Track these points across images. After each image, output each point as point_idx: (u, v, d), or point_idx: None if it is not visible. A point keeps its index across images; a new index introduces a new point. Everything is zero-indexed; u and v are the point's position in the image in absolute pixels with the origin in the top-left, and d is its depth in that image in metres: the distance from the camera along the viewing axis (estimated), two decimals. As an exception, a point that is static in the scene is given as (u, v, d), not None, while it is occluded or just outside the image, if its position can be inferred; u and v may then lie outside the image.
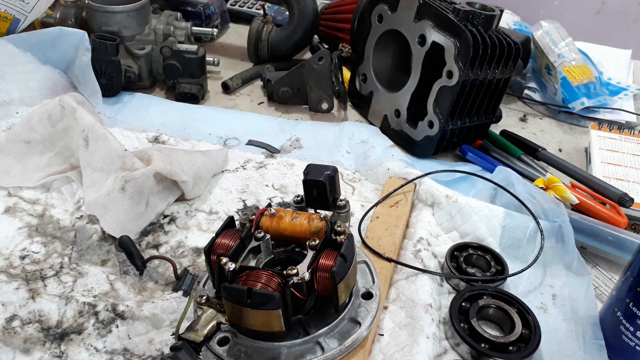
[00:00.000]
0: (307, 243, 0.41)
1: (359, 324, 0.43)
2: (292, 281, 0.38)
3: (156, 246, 0.53)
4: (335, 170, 0.46)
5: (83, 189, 0.56)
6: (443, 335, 0.47)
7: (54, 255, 0.50)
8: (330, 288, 0.39)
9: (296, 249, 0.44)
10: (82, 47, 0.71)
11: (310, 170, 0.46)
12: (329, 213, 0.46)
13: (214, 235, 0.42)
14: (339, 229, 0.42)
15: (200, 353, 0.38)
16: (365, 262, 0.49)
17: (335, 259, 0.39)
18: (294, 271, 0.38)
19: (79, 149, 0.56)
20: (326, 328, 0.41)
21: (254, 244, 0.43)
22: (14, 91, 0.70)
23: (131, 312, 0.45)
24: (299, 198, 0.47)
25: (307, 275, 0.38)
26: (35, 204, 0.55)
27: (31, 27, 0.78)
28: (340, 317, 0.42)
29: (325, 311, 0.42)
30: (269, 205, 0.45)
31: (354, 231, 0.56)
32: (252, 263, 0.43)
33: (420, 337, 0.44)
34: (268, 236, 0.43)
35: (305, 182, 0.46)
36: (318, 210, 0.46)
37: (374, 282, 0.47)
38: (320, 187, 0.45)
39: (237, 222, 0.45)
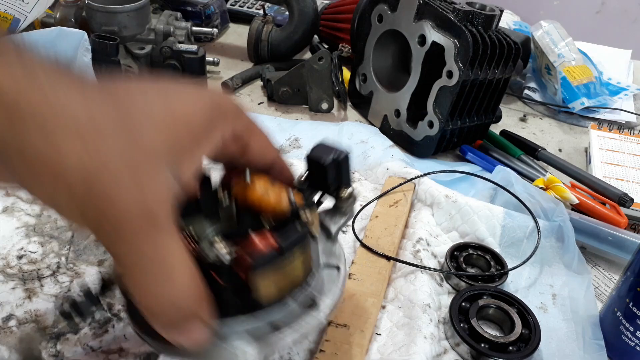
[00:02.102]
0: (263, 218, 0.34)
1: (278, 328, 0.34)
2: (209, 259, 0.30)
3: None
4: (344, 155, 0.39)
5: None
6: (443, 335, 0.47)
7: (51, 255, 0.50)
8: (245, 276, 0.31)
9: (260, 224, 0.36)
10: (82, 47, 0.70)
11: (318, 148, 0.39)
12: (330, 202, 0.41)
13: None
14: (304, 218, 0.34)
15: None
16: (338, 268, 0.39)
17: (271, 246, 0.32)
18: (224, 249, 0.30)
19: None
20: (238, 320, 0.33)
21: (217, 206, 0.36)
22: (13, 91, 0.70)
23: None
24: (302, 178, 0.40)
25: (226, 257, 0.30)
26: (33, 203, 0.55)
27: (31, 27, 0.78)
28: (257, 318, 0.33)
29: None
30: (246, 171, 0.37)
31: (349, 230, 0.56)
32: (209, 230, 0.35)
33: (418, 337, 0.44)
34: (233, 205, 0.37)
35: (308, 160, 0.39)
36: (316, 194, 0.39)
37: (333, 295, 0.37)
38: (320, 170, 0.39)
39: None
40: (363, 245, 0.53)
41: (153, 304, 0.29)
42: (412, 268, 0.51)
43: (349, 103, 0.82)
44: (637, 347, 0.44)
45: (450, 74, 0.64)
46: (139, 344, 0.42)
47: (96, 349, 0.42)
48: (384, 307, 0.48)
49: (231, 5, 1.08)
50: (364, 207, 0.59)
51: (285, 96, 0.80)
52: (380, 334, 0.46)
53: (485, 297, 0.48)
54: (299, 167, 0.65)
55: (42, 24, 0.82)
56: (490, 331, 0.46)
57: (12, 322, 0.43)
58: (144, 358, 0.41)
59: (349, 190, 0.40)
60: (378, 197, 0.60)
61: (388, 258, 0.51)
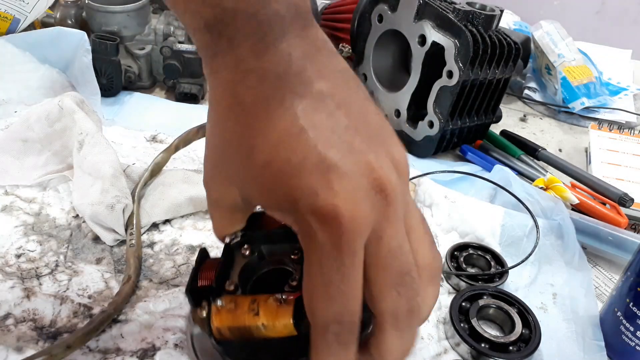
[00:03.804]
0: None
1: None
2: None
3: (151, 245, 0.53)
4: None
5: (72, 190, 0.55)
6: (443, 335, 0.47)
7: (49, 253, 0.50)
8: None
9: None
10: (82, 48, 0.70)
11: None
12: None
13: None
14: None
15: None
16: None
17: None
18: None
19: (74, 149, 0.56)
20: None
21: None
22: (12, 90, 0.70)
23: (124, 313, 0.44)
24: None
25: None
26: (31, 202, 0.55)
27: (31, 27, 0.78)
28: None
29: None
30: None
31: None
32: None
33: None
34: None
35: None
36: None
37: None
38: None
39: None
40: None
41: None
42: (412, 268, 0.51)
43: (348, 103, 0.82)
44: (637, 347, 0.43)
45: (450, 74, 0.64)
46: (136, 343, 0.42)
47: (93, 348, 0.42)
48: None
49: (231, 5, 1.08)
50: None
51: (285, 96, 0.80)
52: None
53: (485, 297, 0.48)
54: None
55: (42, 24, 0.82)
56: (491, 331, 0.46)
57: (10, 321, 0.43)
58: (140, 355, 0.41)
59: None
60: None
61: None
